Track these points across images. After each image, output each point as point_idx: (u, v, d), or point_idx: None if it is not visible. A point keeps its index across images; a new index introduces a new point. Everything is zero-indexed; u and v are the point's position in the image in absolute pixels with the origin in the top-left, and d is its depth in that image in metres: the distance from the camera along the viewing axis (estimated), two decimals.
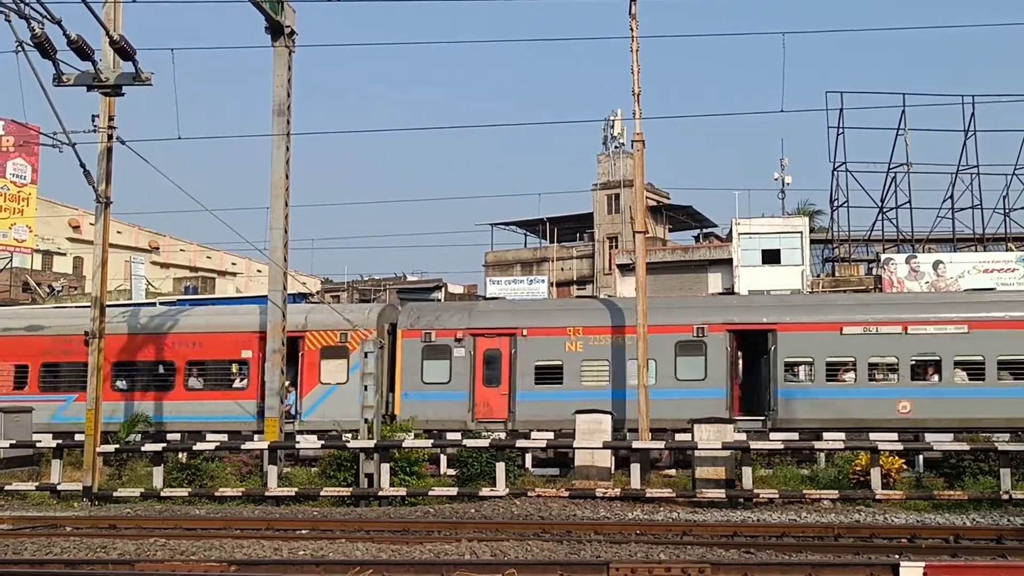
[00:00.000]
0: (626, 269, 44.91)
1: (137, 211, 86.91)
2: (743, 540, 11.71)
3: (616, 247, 54.62)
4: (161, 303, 34.41)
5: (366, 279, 59.35)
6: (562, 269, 60.23)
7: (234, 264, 69.38)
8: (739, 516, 13.99)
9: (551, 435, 18.20)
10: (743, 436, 16.87)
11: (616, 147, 59.00)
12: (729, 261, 43.92)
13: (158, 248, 64.25)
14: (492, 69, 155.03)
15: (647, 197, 28.51)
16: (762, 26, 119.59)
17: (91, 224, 53.45)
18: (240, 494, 16.25)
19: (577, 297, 50.64)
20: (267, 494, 16.11)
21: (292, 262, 19.80)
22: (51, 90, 13.56)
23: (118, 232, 50.45)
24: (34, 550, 11.38)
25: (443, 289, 54.23)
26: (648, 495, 15.39)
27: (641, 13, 18.85)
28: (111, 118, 16.79)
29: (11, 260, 47.02)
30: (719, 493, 15.34)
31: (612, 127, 58.59)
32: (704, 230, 62.08)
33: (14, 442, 18.41)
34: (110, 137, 16.83)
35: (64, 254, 57.80)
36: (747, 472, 15.61)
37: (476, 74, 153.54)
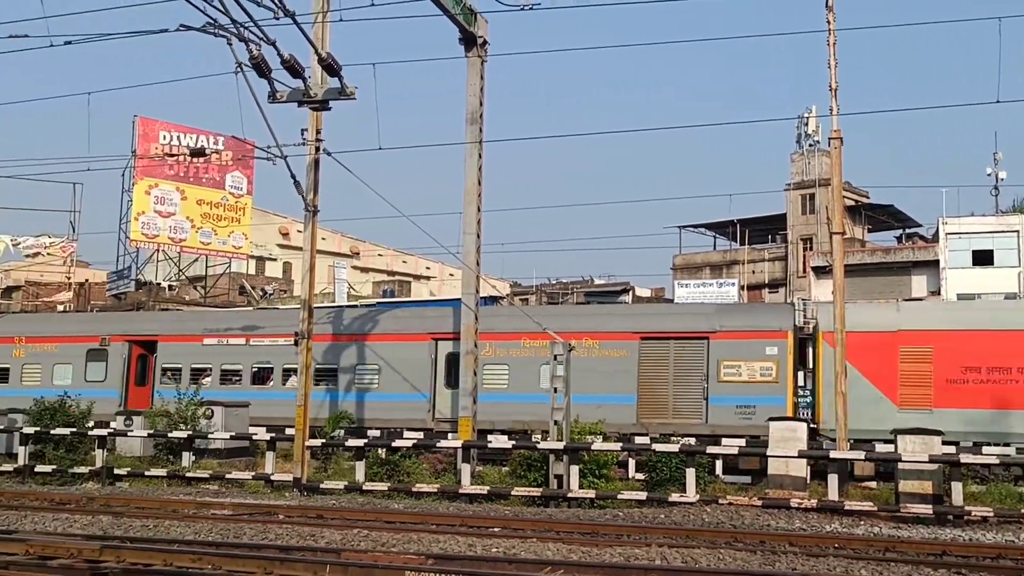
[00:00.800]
0: (821, 272, 43.19)
1: (340, 218, 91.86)
2: (953, 560, 10.99)
3: (810, 249, 52.63)
4: (362, 305, 36.22)
5: (554, 282, 60.02)
6: (753, 272, 58.64)
7: (428, 268, 71.93)
8: (948, 534, 13.16)
9: None
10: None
11: (811, 145, 56.90)
12: (935, 263, 41.35)
13: (358, 253, 67.58)
14: (679, 70, 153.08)
15: (844, 196, 27.32)
16: (975, 11, 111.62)
17: (299, 231, 56.77)
18: (435, 490, 16.82)
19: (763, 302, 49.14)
20: (461, 491, 16.60)
21: (483, 265, 20.36)
22: (266, 107, 14.61)
23: (323, 238, 53.42)
24: (252, 535, 12.27)
25: (630, 292, 54.03)
26: (847, 507, 14.75)
27: (838, 6, 18.12)
28: (318, 131, 17.85)
29: (229, 265, 50.83)
30: (925, 509, 14.49)
31: (806, 124, 56.55)
32: (907, 230, 58.78)
33: (233, 434, 19.93)
34: (317, 149, 17.89)
35: (275, 259, 61.94)
36: (957, 488, 14.66)
37: (662, 76, 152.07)
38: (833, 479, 15.50)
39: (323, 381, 23.19)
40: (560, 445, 16.36)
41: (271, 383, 24.51)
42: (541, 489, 16.22)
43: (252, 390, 23.92)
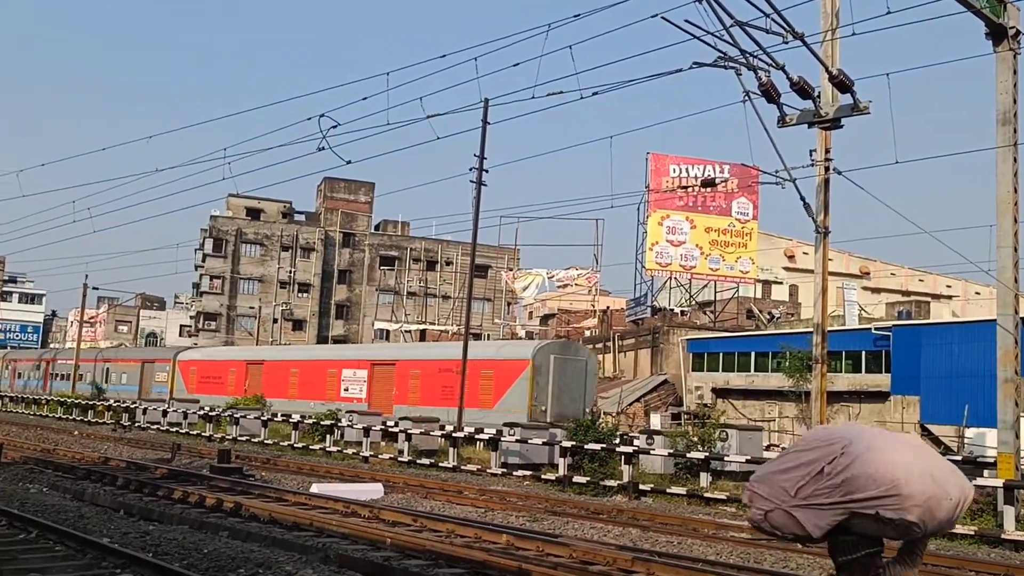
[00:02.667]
0: None
1: (847, 239, 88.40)
2: None
3: None
4: (876, 329, 34.34)
5: None
6: None
7: (949, 287, 65.95)
8: None
9: None
10: None
11: None
12: None
13: (868, 273, 64.31)
14: None
15: None
16: None
17: (804, 253, 55.54)
18: (971, 532, 15.22)
19: None
20: (1004, 537, 14.82)
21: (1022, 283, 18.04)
22: (774, 131, 14.63)
23: (830, 259, 51.78)
24: (772, 561, 12.22)
25: None
26: None
27: None
28: (827, 151, 17.37)
29: (737, 290, 51.59)
30: None
31: None
32: None
33: (748, 458, 20.07)
34: (827, 169, 17.41)
35: (780, 282, 61.48)
36: None
37: None
38: None
39: None
40: None
41: None
42: None
43: None
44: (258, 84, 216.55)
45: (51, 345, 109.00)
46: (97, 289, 67.24)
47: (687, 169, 48.51)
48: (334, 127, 17.76)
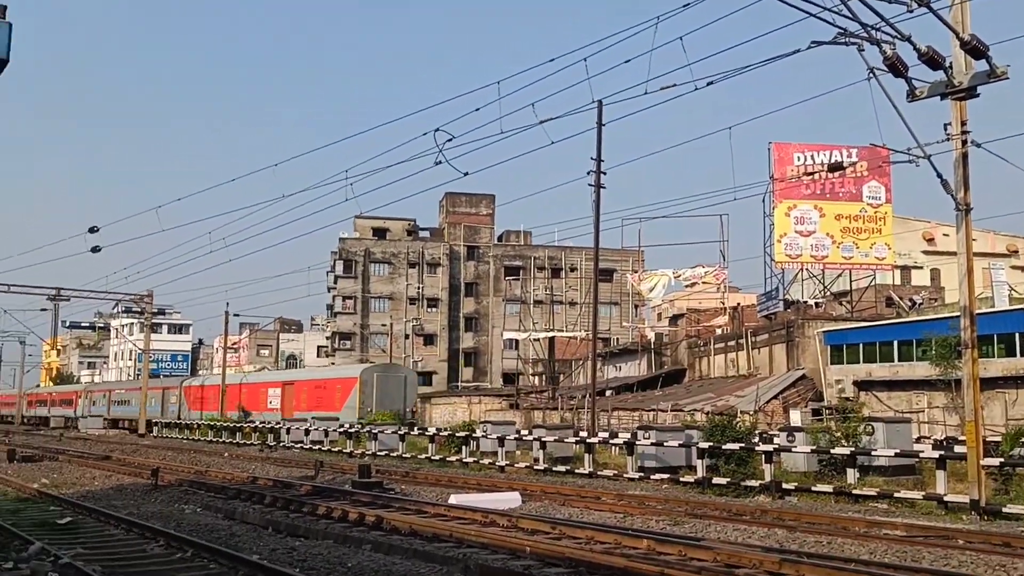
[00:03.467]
0: None
1: (991, 215, 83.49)
2: None
3: None
4: None
5: None
6: None
7: None
8: None
9: None
10: None
11: None
12: None
13: (1016, 251, 60.71)
14: None
15: None
16: None
17: (944, 235, 53.06)
18: None
19: None
20: None
21: None
22: (902, 107, 13.90)
23: (974, 239, 49.11)
24: (931, 559, 11.54)
25: None
26: None
27: None
28: (963, 123, 16.40)
29: (874, 277, 49.51)
30: None
31: None
32: None
33: (897, 452, 19.14)
34: (964, 143, 16.44)
35: (920, 267, 58.68)
36: None
37: None
38: None
39: None
40: None
41: None
42: None
43: None
44: (375, 103, 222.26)
45: (200, 372, 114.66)
46: (238, 315, 70.30)
47: (812, 156, 46.90)
48: (449, 140, 17.94)
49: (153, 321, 63.65)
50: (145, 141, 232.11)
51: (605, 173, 26.87)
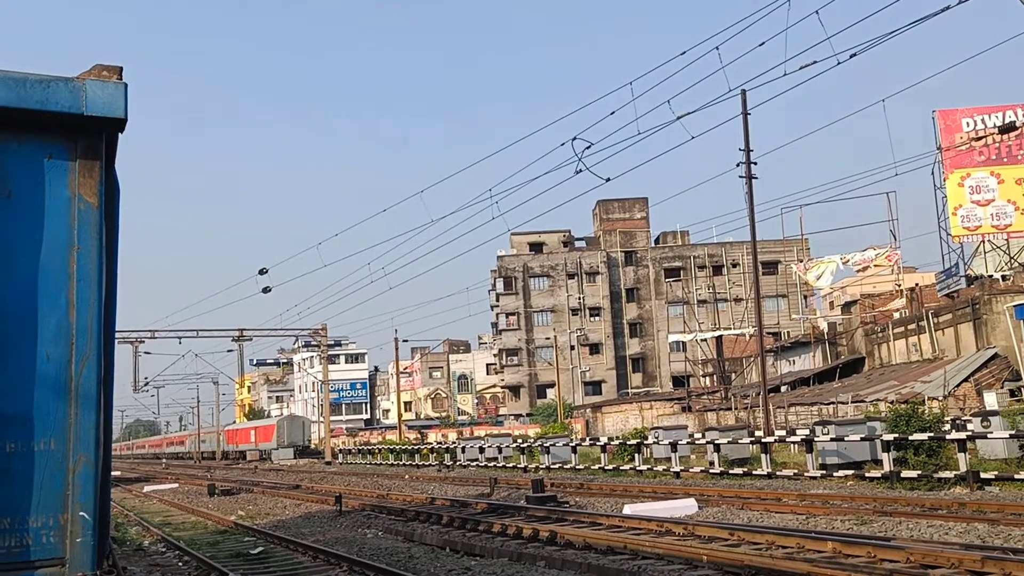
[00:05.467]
0: None
1: None
2: None
3: None
4: None
5: None
6: None
7: None
8: None
9: None
10: None
11: None
12: None
13: None
14: None
15: None
16: None
17: None
18: None
19: None
20: None
21: None
22: None
23: None
24: None
25: None
26: None
27: None
28: None
29: None
30: None
31: None
32: None
33: None
34: None
35: None
36: None
37: None
38: None
39: None
40: None
41: None
42: None
43: None
44: (515, 118, 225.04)
45: (378, 398, 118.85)
46: (407, 341, 72.49)
47: (982, 120, 43.88)
48: (588, 147, 17.81)
49: (330, 353, 66.51)
50: (298, 180, 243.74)
51: (756, 163, 26.06)
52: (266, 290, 33.42)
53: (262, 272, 32.35)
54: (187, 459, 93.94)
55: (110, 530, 7.31)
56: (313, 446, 74.28)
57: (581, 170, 18.09)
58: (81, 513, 4.22)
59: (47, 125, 4.33)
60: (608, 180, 18.57)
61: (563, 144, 18.34)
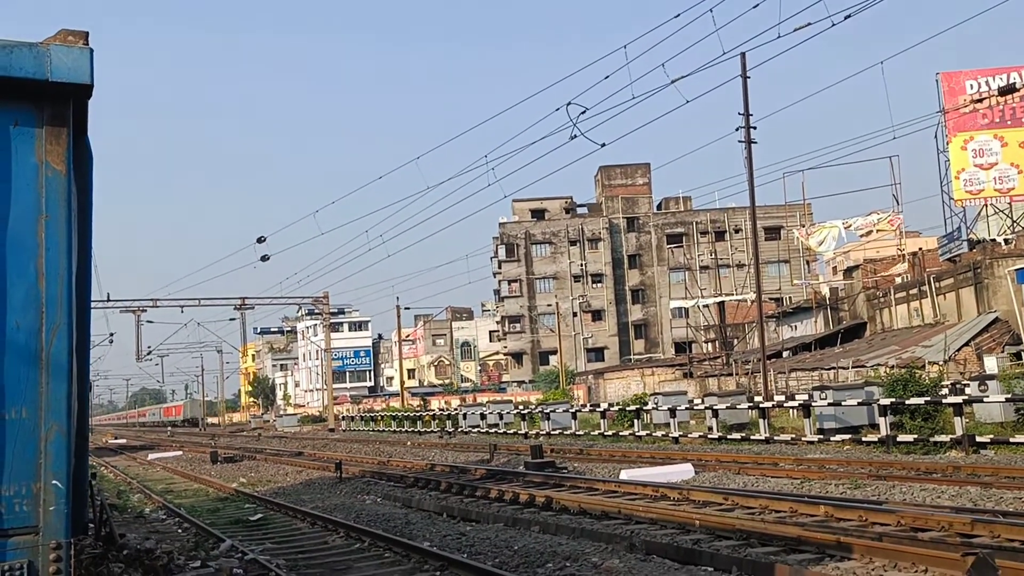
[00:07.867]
0: None
1: None
2: None
3: None
4: None
5: None
6: None
7: None
8: None
9: None
10: None
11: None
12: None
13: None
14: None
15: None
16: None
17: None
18: None
19: None
20: None
21: None
22: None
23: None
24: None
25: None
26: None
27: None
28: None
29: None
30: None
31: None
32: None
33: None
34: None
35: None
36: None
37: None
38: None
39: None
40: None
41: None
42: None
43: None
44: (508, 83, 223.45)
45: (381, 365, 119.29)
46: (409, 308, 72.57)
47: (986, 82, 43.45)
48: (583, 112, 17.67)
49: (333, 321, 66.69)
50: (296, 147, 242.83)
51: (755, 127, 25.87)
52: (264, 258, 33.41)
53: (260, 240, 32.32)
54: (159, 428, 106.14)
55: (87, 499, 7.34)
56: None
57: (576, 136, 17.96)
58: (54, 482, 4.22)
59: (11, 91, 4.28)
60: (603, 145, 18.53)
61: (558, 109, 18.20)
